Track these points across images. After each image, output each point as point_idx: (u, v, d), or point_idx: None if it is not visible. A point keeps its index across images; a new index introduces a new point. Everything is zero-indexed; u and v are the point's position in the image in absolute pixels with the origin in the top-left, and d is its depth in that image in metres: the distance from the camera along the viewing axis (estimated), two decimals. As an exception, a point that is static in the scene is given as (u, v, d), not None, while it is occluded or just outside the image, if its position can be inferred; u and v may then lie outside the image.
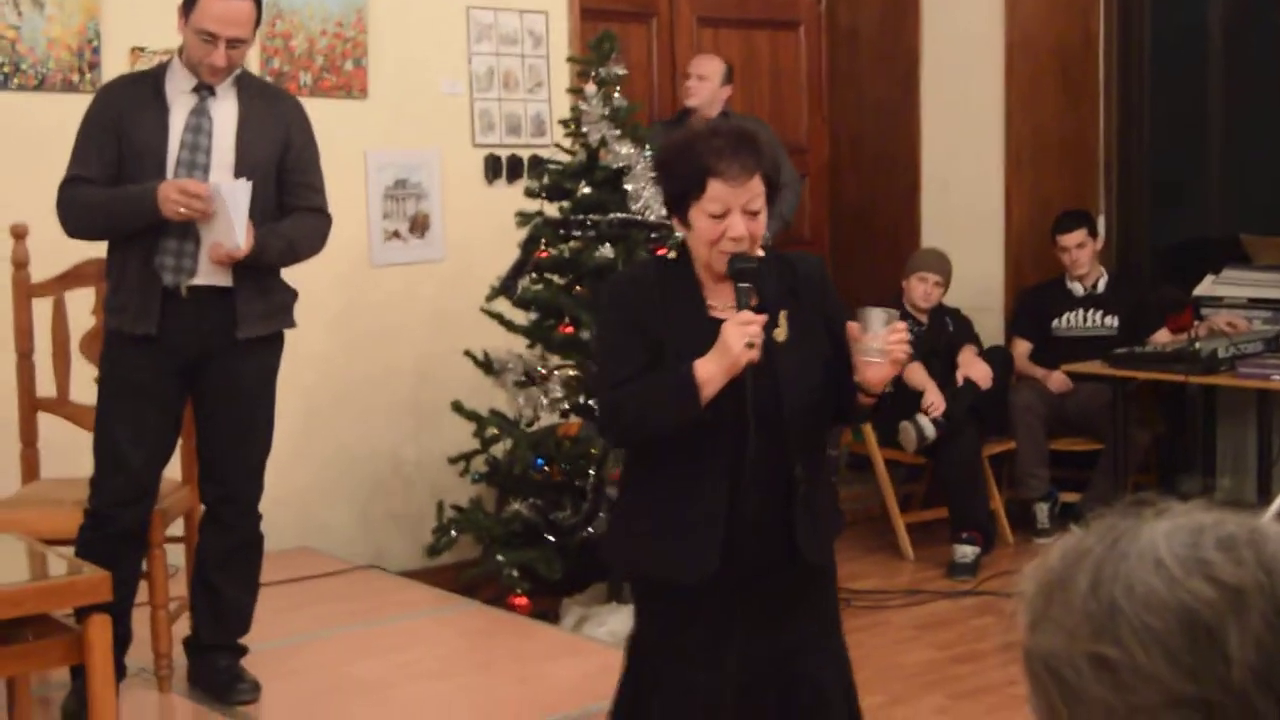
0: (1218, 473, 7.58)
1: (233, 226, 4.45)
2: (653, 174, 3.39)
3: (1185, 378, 6.76)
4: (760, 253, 3.27)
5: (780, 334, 3.29)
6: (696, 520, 3.26)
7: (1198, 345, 6.80)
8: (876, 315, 3.19)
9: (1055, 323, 7.58)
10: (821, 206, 8.51)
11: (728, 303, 3.26)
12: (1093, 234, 7.54)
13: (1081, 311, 7.56)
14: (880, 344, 3.17)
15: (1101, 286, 7.57)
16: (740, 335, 3.13)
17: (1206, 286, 7.48)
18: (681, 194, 3.26)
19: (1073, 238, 7.48)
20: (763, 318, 3.18)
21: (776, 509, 3.29)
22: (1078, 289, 7.57)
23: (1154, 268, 8.25)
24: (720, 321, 3.21)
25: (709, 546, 3.24)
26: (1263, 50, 7.75)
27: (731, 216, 3.19)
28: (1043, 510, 7.47)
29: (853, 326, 3.21)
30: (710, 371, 3.16)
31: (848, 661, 3.52)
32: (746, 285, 3.21)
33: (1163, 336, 7.31)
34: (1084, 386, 7.37)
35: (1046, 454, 7.44)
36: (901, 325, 3.22)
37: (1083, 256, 7.49)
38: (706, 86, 7.14)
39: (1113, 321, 7.50)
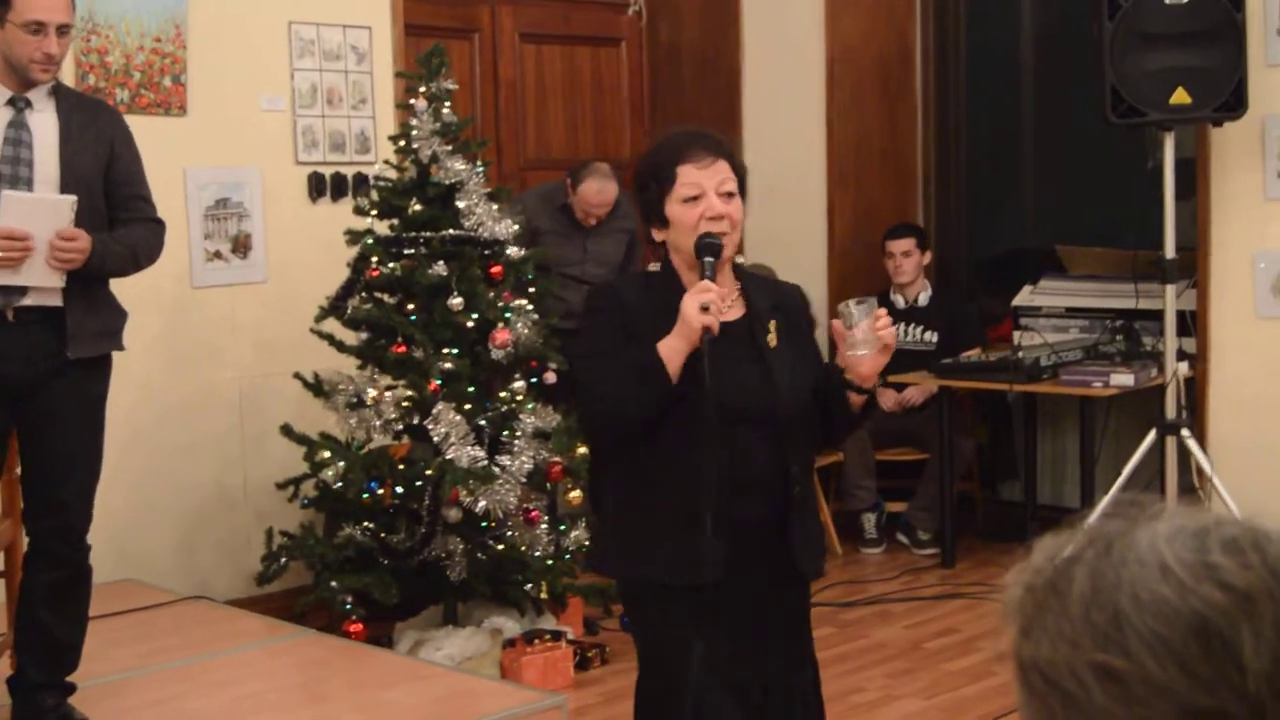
0: (1038, 479, 7.69)
1: (55, 210, 4.30)
2: (634, 192, 3.46)
3: (1009, 386, 6.86)
4: (740, 258, 3.38)
5: (771, 339, 3.34)
6: (686, 517, 3.21)
7: (1020, 354, 6.91)
8: (857, 308, 3.21)
9: (878, 335, 7.62)
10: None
11: None
12: (921, 246, 7.62)
13: (902, 325, 7.63)
14: (865, 334, 3.19)
15: (923, 300, 7.65)
16: (694, 301, 3.16)
17: (1025, 297, 7.60)
18: (656, 194, 3.32)
19: (900, 244, 7.56)
20: (723, 289, 3.22)
21: (774, 513, 3.30)
22: (899, 301, 7.65)
23: (973, 278, 8.38)
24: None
25: (714, 546, 3.18)
26: (1072, 63, 7.90)
27: (707, 197, 3.27)
28: (870, 521, 7.54)
29: (836, 325, 3.25)
30: (672, 345, 3.19)
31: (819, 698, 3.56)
32: (710, 260, 3.25)
33: (974, 354, 7.38)
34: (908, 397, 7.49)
35: (873, 465, 7.51)
36: (883, 312, 3.24)
37: (907, 265, 7.57)
38: None
39: (932, 337, 7.59)
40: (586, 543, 5.81)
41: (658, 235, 3.39)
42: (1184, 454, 6.26)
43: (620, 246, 7.22)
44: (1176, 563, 1.14)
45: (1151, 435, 6.26)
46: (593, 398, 3.33)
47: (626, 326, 3.30)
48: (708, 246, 3.26)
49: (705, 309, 3.15)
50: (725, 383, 3.19)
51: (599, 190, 7.02)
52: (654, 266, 3.52)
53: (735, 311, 3.38)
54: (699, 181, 3.27)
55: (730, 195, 3.30)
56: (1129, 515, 1.21)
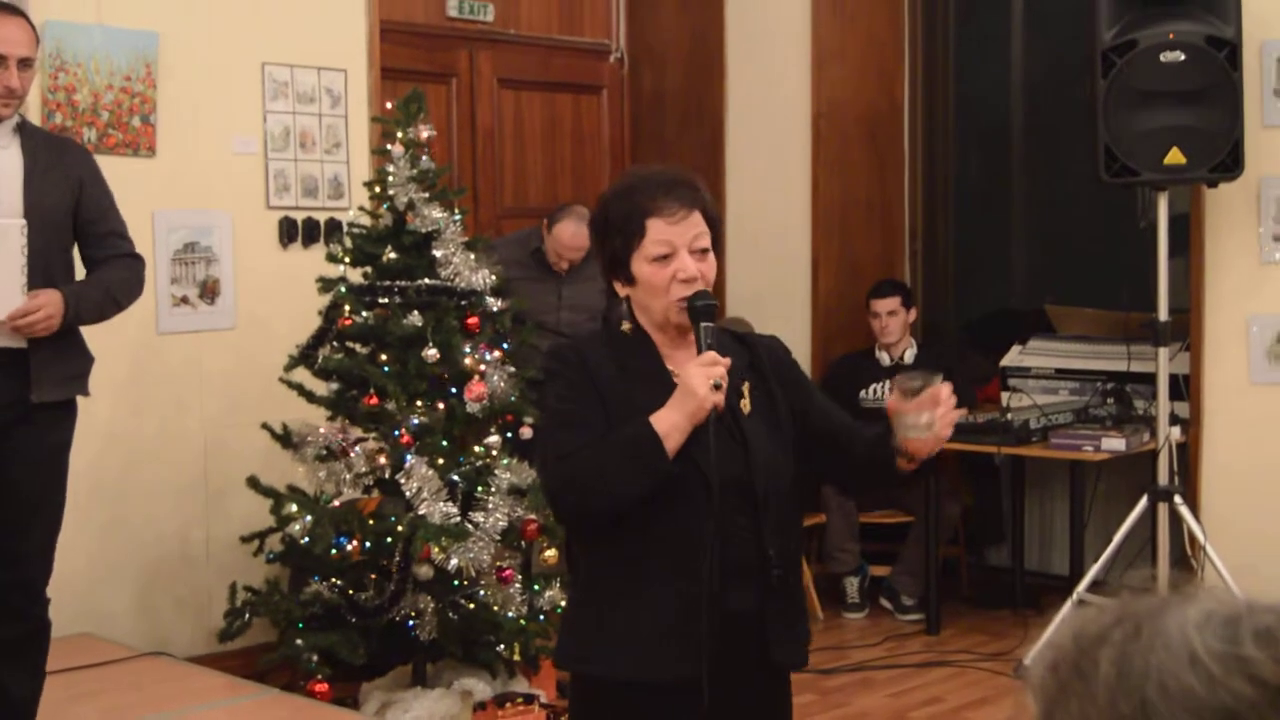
0: (1026, 544, 7.53)
1: (3, 235, 4.19)
2: (593, 235, 3.06)
3: (997, 449, 6.71)
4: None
5: (745, 405, 3.02)
6: (673, 607, 2.90)
7: (1009, 416, 6.77)
8: (919, 387, 2.95)
9: (862, 394, 7.49)
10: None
11: None
12: (906, 305, 7.48)
13: (887, 383, 7.45)
14: (929, 419, 2.93)
15: (909, 358, 7.51)
16: (705, 376, 2.84)
17: (1013, 357, 7.47)
18: (621, 245, 2.99)
19: (885, 304, 7.42)
20: (728, 360, 2.90)
21: (750, 598, 2.96)
22: (885, 359, 7.51)
23: (960, 337, 8.25)
24: None
25: (690, 637, 2.88)
26: (1063, 120, 7.81)
27: (679, 256, 2.95)
28: (852, 585, 7.38)
29: (891, 402, 2.98)
30: (672, 420, 2.86)
31: None
32: (709, 324, 2.94)
33: (960, 415, 7.22)
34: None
35: (856, 528, 7.35)
36: (947, 395, 2.96)
37: (893, 324, 7.42)
38: None
39: (918, 395, 7.43)
40: (562, 604, 5.64)
41: (621, 290, 3.06)
42: (1176, 521, 6.12)
43: (600, 293, 7.04)
44: (1206, 653, 1.11)
45: (1143, 502, 6.13)
46: (566, 476, 2.93)
47: (593, 390, 2.96)
48: (704, 310, 2.94)
49: (718, 387, 2.85)
50: (700, 456, 2.90)
51: (574, 233, 6.86)
52: (626, 327, 3.11)
53: None
54: (670, 239, 2.93)
55: (704, 252, 2.98)
56: (1159, 594, 1.18)
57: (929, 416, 2.95)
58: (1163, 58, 5.95)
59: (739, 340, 3.15)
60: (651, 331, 3.05)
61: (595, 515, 2.96)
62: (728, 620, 2.92)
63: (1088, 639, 1.17)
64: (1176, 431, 6.25)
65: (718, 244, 3.07)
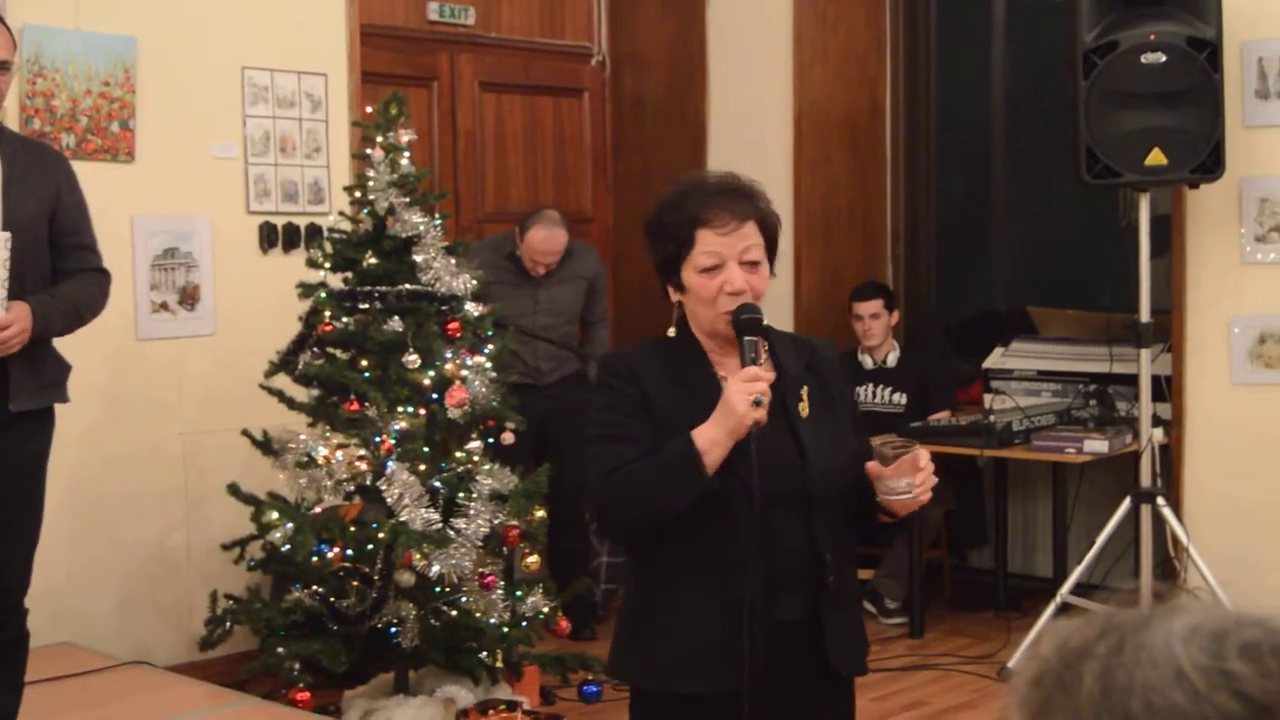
0: (1009, 547, 7.53)
1: None
2: (647, 239, 3.04)
3: (980, 451, 6.70)
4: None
5: (803, 409, 3.02)
6: (720, 619, 2.89)
7: (992, 418, 6.76)
8: (898, 453, 2.93)
9: (845, 396, 7.47)
10: (606, 278, 8.33)
11: None
12: (889, 307, 7.47)
13: (870, 386, 7.48)
14: (907, 484, 2.91)
15: (891, 361, 7.50)
16: (745, 392, 2.82)
17: (996, 359, 7.47)
18: (674, 253, 2.98)
19: (868, 306, 7.41)
20: (770, 375, 2.90)
21: (806, 606, 2.96)
22: (867, 362, 7.50)
23: (943, 339, 8.24)
24: None
25: (737, 648, 2.86)
26: (1045, 122, 7.81)
27: (727, 268, 2.93)
28: (836, 587, 7.33)
29: (872, 466, 2.94)
30: (712, 436, 2.85)
31: None
32: (753, 339, 2.92)
33: (943, 418, 7.23)
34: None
35: (839, 530, 7.31)
36: (926, 460, 2.93)
37: (876, 327, 7.41)
38: None
39: (900, 399, 7.43)
40: (544, 610, 5.62)
41: (674, 296, 3.06)
42: (1159, 523, 6.12)
43: (577, 296, 7.04)
44: (1191, 667, 1.09)
45: (1126, 504, 6.12)
46: (610, 492, 2.93)
47: (643, 403, 2.96)
48: (749, 324, 2.92)
49: (758, 403, 2.82)
50: (747, 470, 2.88)
51: (546, 238, 6.83)
52: (671, 332, 3.11)
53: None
54: (719, 250, 2.92)
55: (755, 264, 2.96)
56: (1144, 605, 1.16)
57: (908, 482, 2.92)
58: (1144, 59, 5.95)
59: (796, 342, 3.15)
60: (702, 338, 3.05)
61: (639, 530, 2.98)
62: (781, 629, 2.92)
63: (1071, 652, 1.15)
64: (1159, 433, 6.25)
65: (771, 253, 3.04)
